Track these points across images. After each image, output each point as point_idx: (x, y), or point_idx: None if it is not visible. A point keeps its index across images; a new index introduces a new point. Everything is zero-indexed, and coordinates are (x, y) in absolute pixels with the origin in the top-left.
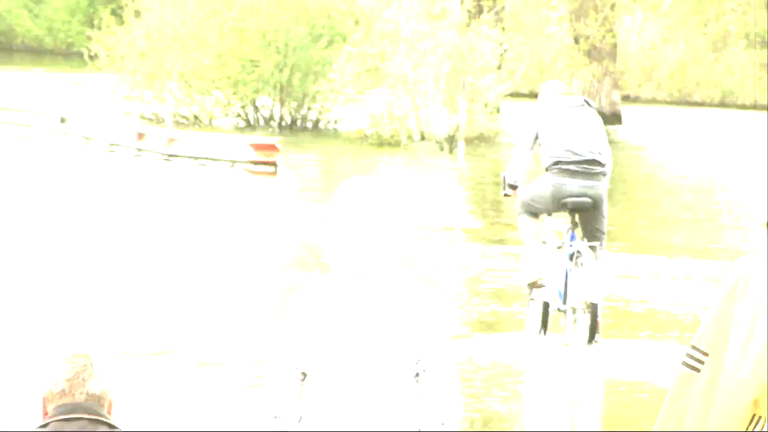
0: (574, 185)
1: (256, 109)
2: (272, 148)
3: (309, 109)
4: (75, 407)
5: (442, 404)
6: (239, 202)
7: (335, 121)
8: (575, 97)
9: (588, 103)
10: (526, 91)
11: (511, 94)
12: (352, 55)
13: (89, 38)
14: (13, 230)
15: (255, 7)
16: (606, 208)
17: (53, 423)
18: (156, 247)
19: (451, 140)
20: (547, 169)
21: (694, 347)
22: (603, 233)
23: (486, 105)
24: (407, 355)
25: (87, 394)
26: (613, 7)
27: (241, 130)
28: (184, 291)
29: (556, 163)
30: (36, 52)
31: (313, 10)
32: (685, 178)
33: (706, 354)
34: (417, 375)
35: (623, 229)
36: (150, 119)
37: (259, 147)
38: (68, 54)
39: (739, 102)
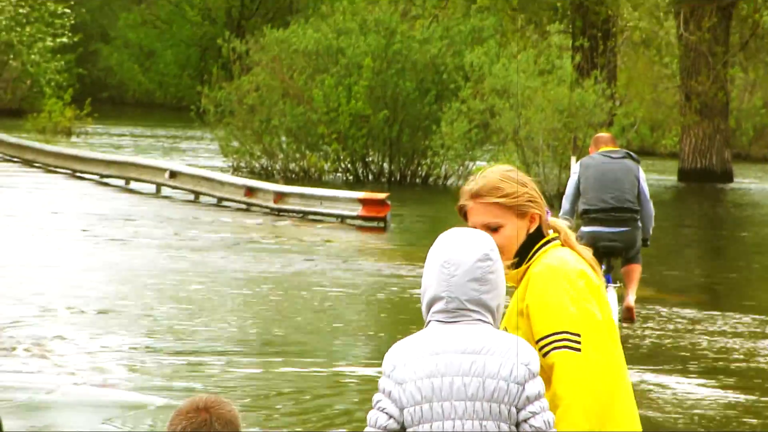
0: (604, 232)
1: (366, 164)
2: (381, 203)
3: (418, 165)
4: None
5: None
6: (348, 256)
7: (445, 177)
8: (617, 150)
9: (630, 156)
10: (637, 149)
11: None
12: (461, 111)
13: (199, 93)
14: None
15: (361, 62)
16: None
17: None
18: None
19: (561, 197)
20: (580, 217)
21: (567, 331)
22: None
23: None
24: (505, 407)
25: None
26: (725, 65)
27: (351, 185)
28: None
29: (586, 211)
30: (147, 106)
31: (420, 64)
32: None
33: (578, 335)
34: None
35: (730, 287)
36: (259, 175)
37: (368, 202)
38: (179, 108)
39: None
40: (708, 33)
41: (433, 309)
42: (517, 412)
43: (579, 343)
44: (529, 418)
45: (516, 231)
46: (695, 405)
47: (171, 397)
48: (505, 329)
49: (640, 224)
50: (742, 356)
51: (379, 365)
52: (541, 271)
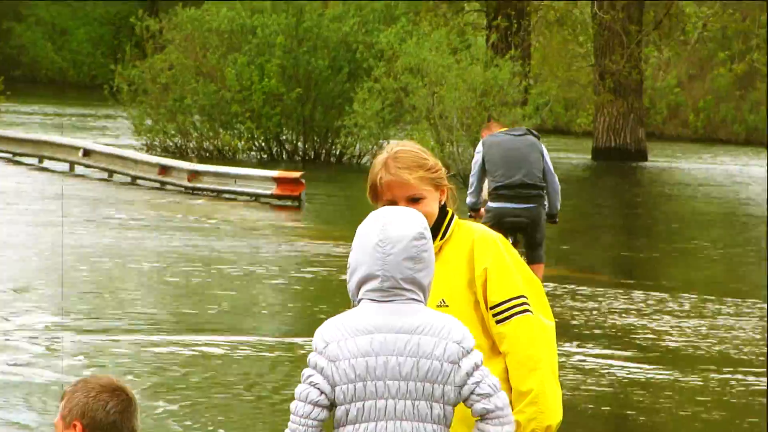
0: (510, 208)
1: (280, 143)
2: (296, 182)
3: (332, 143)
4: None
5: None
6: (262, 235)
7: (359, 156)
8: (517, 128)
9: (531, 132)
10: (551, 127)
11: (536, 130)
12: (374, 90)
13: (112, 72)
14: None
15: (274, 41)
16: (544, 225)
17: None
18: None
19: None
20: (489, 194)
21: (523, 295)
22: (541, 244)
23: None
24: (438, 386)
25: (130, 430)
26: (639, 44)
27: (265, 164)
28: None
29: (495, 188)
30: (60, 84)
31: (333, 42)
32: (708, 215)
33: (526, 296)
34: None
35: (644, 264)
36: (173, 153)
37: (282, 181)
38: (92, 87)
39: (765, 139)
40: (622, 12)
41: (365, 287)
42: (459, 390)
43: (530, 305)
44: (474, 389)
45: (436, 204)
46: (596, 379)
47: (80, 376)
48: (443, 302)
49: (546, 201)
50: (648, 332)
51: (295, 341)
52: (485, 239)
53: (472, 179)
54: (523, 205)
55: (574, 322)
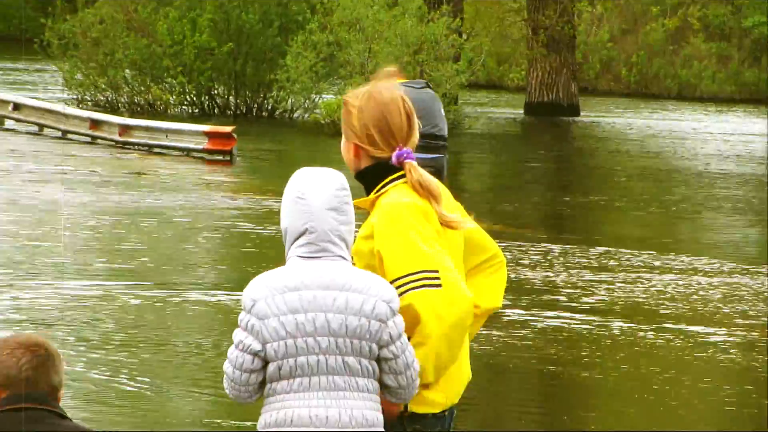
0: (424, 158)
1: (211, 97)
2: (227, 136)
3: (264, 98)
4: (34, 398)
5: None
6: (193, 189)
7: (291, 110)
8: (417, 81)
9: (428, 86)
10: (483, 82)
11: (469, 85)
12: (307, 44)
13: (43, 25)
14: None
15: None
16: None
17: (7, 411)
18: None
19: None
20: None
21: (426, 270)
22: None
23: (444, 95)
24: (366, 343)
25: (49, 385)
26: None
27: (196, 119)
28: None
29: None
30: None
31: None
32: (639, 169)
33: (436, 271)
34: (382, 360)
35: (576, 219)
36: (104, 108)
37: (213, 135)
38: (22, 40)
39: (697, 94)
40: None
41: (295, 245)
42: (379, 350)
43: (438, 279)
44: (389, 359)
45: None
46: (523, 336)
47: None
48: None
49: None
50: (572, 287)
51: (224, 295)
52: (384, 215)
53: None
54: (434, 156)
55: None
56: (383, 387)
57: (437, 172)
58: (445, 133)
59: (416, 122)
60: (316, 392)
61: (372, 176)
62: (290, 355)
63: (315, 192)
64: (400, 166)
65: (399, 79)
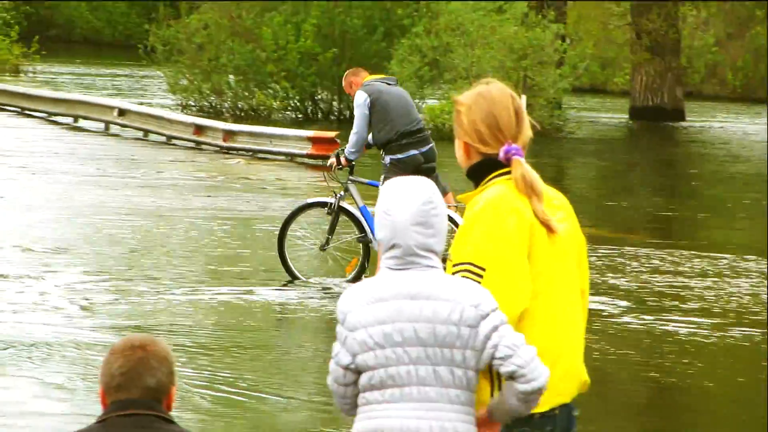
0: (423, 152)
1: (315, 102)
2: (331, 141)
3: None
4: (130, 403)
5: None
6: (298, 194)
7: None
8: (390, 78)
9: (396, 83)
10: (587, 86)
11: (573, 90)
12: (412, 48)
13: (147, 31)
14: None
15: (308, 2)
16: None
17: (111, 419)
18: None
19: None
20: (390, 143)
21: (473, 263)
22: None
23: (547, 100)
24: (458, 351)
25: (143, 388)
26: (675, 2)
27: (300, 124)
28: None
29: (401, 135)
30: (95, 44)
31: (368, 2)
32: (745, 175)
33: (483, 269)
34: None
35: (683, 224)
36: (208, 113)
37: (317, 141)
38: (127, 46)
39: None
40: None
41: (385, 256)
42: (480, 354)
43: (481, 277)
44: (494, 353)
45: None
46: (634, 342)
47: (118, 336)
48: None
49: None
50: (685, 291)
51: (329, 300)
52: (473, 204)
53: (362, 132)
54: (429, 147)
55: (612, 282)
56: (511, 377)
57: (434, 162)
58: (423, 124)
59: (526, 120)
60: (407, 403)
61: (479, 172)
62: (380, 365)
63: (400, 208)
64: (506, 163)
65: (368, 77)
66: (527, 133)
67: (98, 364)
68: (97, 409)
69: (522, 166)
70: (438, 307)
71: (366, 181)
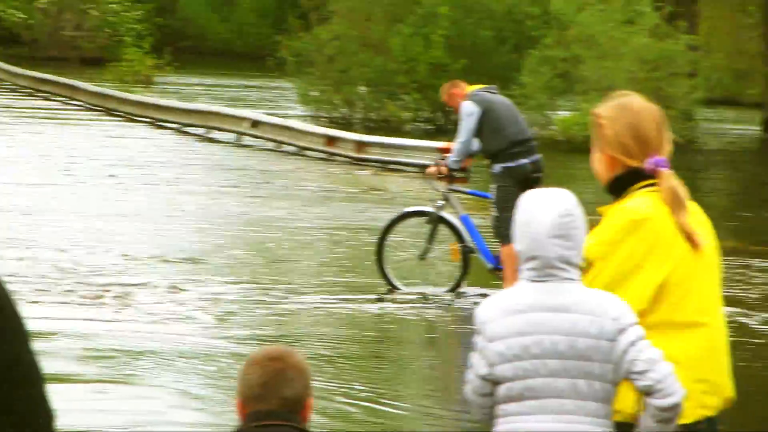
0: (533, 161)
1: (445, 114)
2: None
3: None
4: (267, 414)
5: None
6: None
7: None
8: (491, 87)
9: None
10: (720, 98)
11: (706, 102)
12: (543, 60)
13: (278, 43)
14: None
15: (437, 12)
16: None
17: (249, 429)
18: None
19: None
20: (501, 152)
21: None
22: None
23: (679, 112)
24: (598, 365)
25: (280, 399)
26: None
27: (431, 135)
28: None
29: (512, 144)
30: (226, 55)
31: (498, 13)
32: None
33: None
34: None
35: None
36: (339, 124)
37: (448, 152)
38: (258, 58)
39: None
40: None
41: (524, 267)
42: (618, 368)
43: (581, 268)
44: (630, 368)
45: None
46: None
47: (253, 346)
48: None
49: None
50: None
51: (459, 310)
52: (610, 212)
53: (468, 141)
54: (538, 157)
55: (752, 295)
56: (647, 393)
57: (539, 171)
58: (531, 133)
59: (669, 132)
60: (545, 415)
61: (621, 184)
62: (518, 377)
63: (539, 220)
64: (652, 174)
65: (471, 87)
66: (669, 143)
67: (234, 375)
68: (232, 419)
69: (672, 178)
70: (577, 319)
71: (467, 190)
